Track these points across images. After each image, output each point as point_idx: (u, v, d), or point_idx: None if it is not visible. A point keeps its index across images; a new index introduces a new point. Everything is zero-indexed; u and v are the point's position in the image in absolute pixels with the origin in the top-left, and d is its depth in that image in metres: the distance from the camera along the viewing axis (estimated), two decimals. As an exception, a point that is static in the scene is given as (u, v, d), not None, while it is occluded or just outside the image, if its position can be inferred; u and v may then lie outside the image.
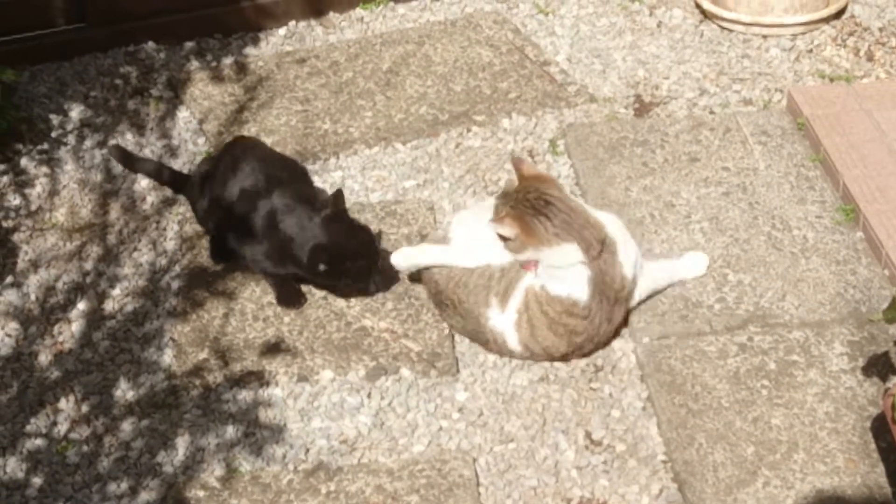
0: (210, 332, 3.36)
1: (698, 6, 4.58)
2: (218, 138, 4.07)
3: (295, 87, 4.34)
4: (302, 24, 4.73)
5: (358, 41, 4.58)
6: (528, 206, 3.10)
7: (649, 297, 3.31)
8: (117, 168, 3.99)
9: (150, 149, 4.09)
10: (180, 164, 4.00)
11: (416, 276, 3.41)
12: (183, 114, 4.26)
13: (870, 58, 4.32)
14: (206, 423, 3.11)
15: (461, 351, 3.29)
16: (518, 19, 4.66)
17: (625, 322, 3.28)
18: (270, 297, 3.44)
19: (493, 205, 3.20)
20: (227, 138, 3.98)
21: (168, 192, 3.88)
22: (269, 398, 3.18)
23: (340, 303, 3.42)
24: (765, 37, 4.43)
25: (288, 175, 3.53)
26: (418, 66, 4.41)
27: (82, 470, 3.02)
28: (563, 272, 3.11)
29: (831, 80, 4.20)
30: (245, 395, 3.19)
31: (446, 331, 3.32)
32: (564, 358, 3.20)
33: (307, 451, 3.03)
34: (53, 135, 4.17)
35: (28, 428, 3.14)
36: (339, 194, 3.36)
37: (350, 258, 3.31)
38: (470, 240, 3.27)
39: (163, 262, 3.63)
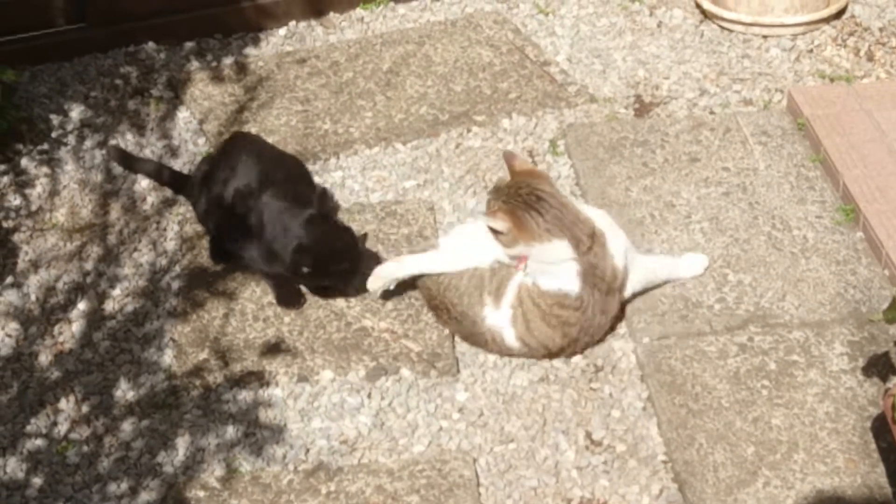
0: (210, 332, 3.36)
1: (698, 6, 4.58)
2: (218, 138, 4.06)
3: (295, 88, 4.34)
4: (302, 24, 4.73)
5: (358, 41, 4.58)
6: (521, 201, 3.12)
7: (645, 290, 3.31)
8: (117, 168, 3.99)
9: (151, 149, 4.10)
10: (180, 165, 4.00)
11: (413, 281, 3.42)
12: (183, 114, 4.27)
13: (870, 58, 4.32)
14: (206, 423, 3.11)
15: (461, 351, 3.29)
16: (518, 19, 4.66)
17: (621, 315, 3.28)
18: (270, 297, 3.44)
19: (486, 199, 3.22)
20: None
21: (168, 192, 3.88)
22: (269, 398, 3.18)
23: (341, 303, 3.42)
24: (765, 37, 4.43)
25: (283, 173, 3.51)
26: (418, 66, 4.41)
27: (82, 470, 3.02)
28: (554, 268, 3.12)
29: (831, 80, 4.20)
30: (245, 396, 3.19)
31: (446, 331, 3.32)
32: (561, 352, 3.20)
33: (307, 451, 3.03)
34: (54, 135, 4.17)
35: (28, 428, 3.14)
36: (322, 194, 3.36)
37: (331, 260, 3.31)
38: (450, 244, 3.30)
39: (163, 262, 3.63)
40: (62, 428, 3.14)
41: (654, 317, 3.30)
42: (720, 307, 3.31)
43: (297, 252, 3.28)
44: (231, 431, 3.09)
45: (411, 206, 3.75)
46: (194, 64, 4.51)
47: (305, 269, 3.28)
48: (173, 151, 4.08)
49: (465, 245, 3.28)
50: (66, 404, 3.20)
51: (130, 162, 3.97)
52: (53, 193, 3.93)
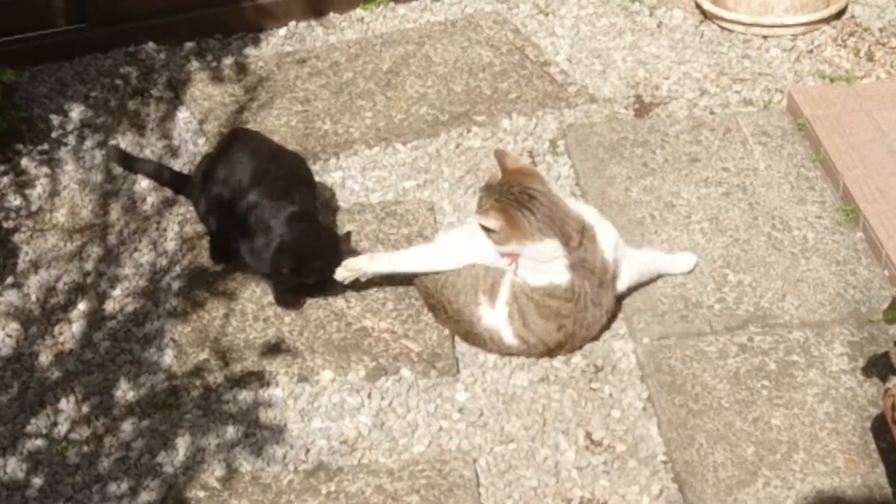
0: (210, 332, 3.36)
1: (698, 6, 4.58)
2: (218, 139, 4.06)
3: (295, 88, 4.34)
4: (302, 24, 4.73)
5: (358, 41, 4.58)
6: (513, 199, 3.13)
7: (639, 284, 3.32)
8: (117, 168, 3.99)
9: (151, 149, 4.10)
10: (181, 165, 4.00)
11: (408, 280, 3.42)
12: (183, 114, 4.26)
13: (870, 58, 4.32)
14: (206, 423, 3.11)
15: (461, 351, 3.29)
16: (518, 20, 4.66)
17: (617, 311, 3.29)
18: (270, 297, 3.44)
19: (477, 197, 3.23)
20: (228, 139, 3.98)
21: (168, 192, 3.88)
22: (269, 398, 3.18)
23: (341, 303, 3.42)
24: (765, 37, 4.43)
25: (277, 169, 3.49)
26: (418, 66, 4.41)
27: (82, 470, 3.02)
28: (545, 265, 3.13)
29: (831, 80, 4.20)
30: (245, 396, 3.19)
31: (446, 331, 3.32)
32: (560, 348, 3.20)
33: (307, 451, 3.03)
34: (54, 135, 4.17)
35: (28, 428, 3.14)
36: (303, 192, 3.36)
37: (311, 258, 3.31)
38: (429, 245, 3.33)
39: (163, 262, 3.63)
40: (62, 428, 3.14)
41: (654, 317, 3.30)
42: (720, 307, 3.31)
43: (277, 253, 3.29)
44: (231, 431, 3.09)
45: (411, 207, 3.75)
46: (194, 64, 4.51)
47: (285, 270, 3.29)
48: (173, 152, 4.08)
49: (442, 246, 3.30)
50: (67, 404, 3.20)
51: (130, 162, 3.97)
52: (53, 194, 3.93)
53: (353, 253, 3.42)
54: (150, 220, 3.79)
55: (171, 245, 3.69)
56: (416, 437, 3.06)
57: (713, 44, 4.44)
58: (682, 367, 3.15)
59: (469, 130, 4.07)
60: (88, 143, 4.12)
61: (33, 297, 3.53)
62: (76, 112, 4.27)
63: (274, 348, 3.29)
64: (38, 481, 3.00)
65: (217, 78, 4.42)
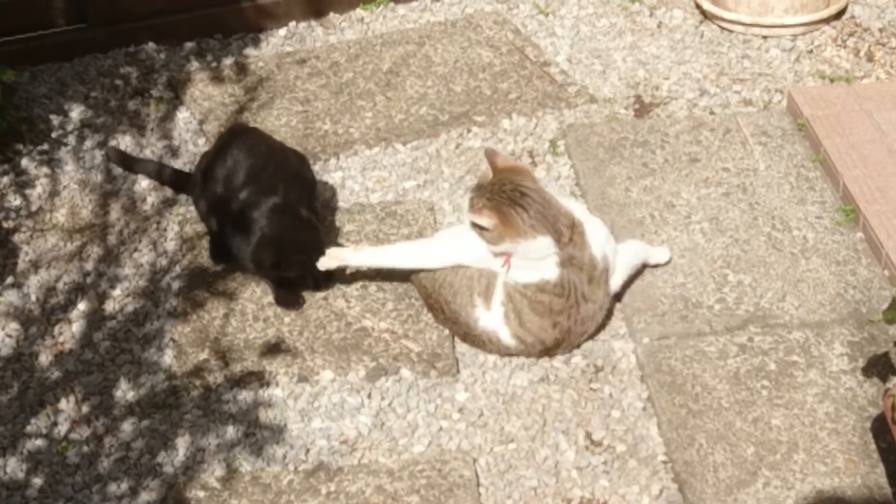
0: (210, 332, 3.36)
1: (698, 7, 4.59)
2: (217, 135, 4.06)
3: (295, 88, 4.34)
4: (302, 24, 4.73)
5: (358, 42, 4.58)
6: (505, 197, 3.13)
7: (630, 279, 3.33)
8: (117, 168, 3.99)
9: (151, 149, 4.10)
10: (181, 165, 4.00)
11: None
12: (183, 114, 4.27)
13: (870, 58, 4.32)
14: (206, 423, 3.11)
15: (461, 351, 3.29)
16: (518, 20, 4.66)
17: (612, 306, 3.30)
18: (270, 297, 3.44)
19: (468, 197, 3.23)
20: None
21: (168, 192, 3.88)
22: (269, 398, 3.18)
23: (341, 303, 3.42)
24: (765, 37, 4.43)
25: (271, 166, 3.49)
26: (418, 66, 4.41)
27: (82, 470, 3.02)
28: (536, 263, 3.13)
29: (831, 80, 4.20)
30: (245, 396, 3.19)
31: (446, 331, 3.32)
32: (558, 346, 3.20)
33: (307, 451, 3.03)
34: (54, 135, 4.17)
35: (28, 428, 3.14)
36: (291, 186, 3.36)
37: (291, 251, 3.31)
38: (418, 240, 3.36)
39: (163, 262, 3.63)
40: (62, 428, 3.14)
41: (654, 317, 3.30)
42: (720, 307, 3.31)
43: (257, 246, 3.29)
44: (231, 431, 3.09)
45: (411, 207, 3.75)
46: (194, 64, 4.51)
47: (266, 264, 3.30)
48: (173, 152, 4.08)
49: (429, 244, 3.32)
50: (67, 404, 3.20)
51: (130, 163, 3.97)
52: (53, 194, 3.93)
53: None
54: (150, 220, 3.79)
55: (171, 245, 3.69)
56: (416, 437, 3.06)
57: (713, 44, 4.44)
58: (682, 367, 3.15)
59: (469, 131, 4.07)
60: (88, 144, 4.13)
61: (33, 297, 3.53)
62: (76, 112, 4.27)
63: (274, 348, 3.29)
64: (38, 481, 3.00)
65: (217, 78, 4.42)
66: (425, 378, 3.21)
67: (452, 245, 3.28)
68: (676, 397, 3.07)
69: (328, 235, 3.56)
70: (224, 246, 3.52)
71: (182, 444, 3.06)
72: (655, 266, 3.43)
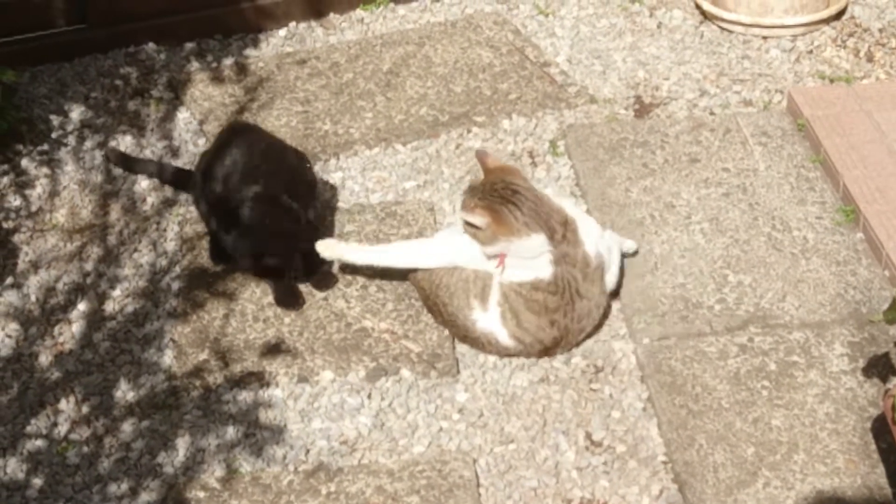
0: (210, 332, 3.36)
1: (698, 7, 4.59)
2: (217, 133, 4.06)
3: (295, 88, 4.34)
4: (302, 25, 4.73)
5: (358, 42, 4.58)
6: (497, 196, 3.14)
7: (621, 274, 3.35)
8: (117, 169, 3.99)
9: (151, 150, 4.10)
10: (181, 166, 4.00)
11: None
12: (183, 115, 4.27)
13: (870, 59, 4.32)
14: (206, 423, 3.11)
15: (461, 352, 3.29)
16: (518, 20, 4.66)
17: (609, 304, 3.30)
18: (270, 297, 3.44)
19: (461, 199, 3.24)
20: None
21: (168, 192, 3.88)
22: (269, 399, 3.18)
23: (341, 303, 3.42)
24: (765, 38, 4.43)
25: (272, 164, 3.48)
26: (418, 67, 4.41)
27: (82, 471, 3.02)
28: (530, 262, 3.14)
29: (831, 80, 4.20)
30: (245, 396, 3.19)
31: (446, 332, 3.32)
32: (556, 345, 3.20)
33: (307, 451, 3.03)
34: (54, 135, 4.17)
35: (28, 429, 3.14)
36: (268, 178, 3.36)
37: (271, 239, 3.31)
38: (410, 241, 3.37)
39: (163, 262, 3.63)
40: (62, 428, 3.14)
41: (655, 317, 3.30)
42: (720, 308, 3.31)
43: (239, 238, 3.29)
44: (231, 432, 3.09)
45: (411, 207, 3.75)
46: (194, 65, 4.51)
47: (248, 254, 3.30)
48: (174, 152, 4.08)
49: (421, 245, 3.33)
50: (67, 405, 3.20)
51: (129, 163, 3.97)
52: (53, 194, 3.93)
53: None
54: (150, 220, 3.79)
55: (170, 245, 3.69)
56: (416, 437, 3.06)
57: (713, 44, 4.44)
58: (683, 367, 3.15)
59: (469, 131, 4.07)
60: (88, 144, 4.12)
61: (33, 298, 3.53)
62: (76, 112, 4.27)
63: (274, 349, 3.29)
64: (38, 482, 3.00)
65: (217, 78, 4.42)
66: (425, 378, 3.21)
67: (448, 245, 3.28)
68: (676, 398, 3.07)
69: (328, 236, 3.56)
70: (223, 246, 3.52)
71: (182, 444, 3.06)
72: (624, 255, 3.43)
